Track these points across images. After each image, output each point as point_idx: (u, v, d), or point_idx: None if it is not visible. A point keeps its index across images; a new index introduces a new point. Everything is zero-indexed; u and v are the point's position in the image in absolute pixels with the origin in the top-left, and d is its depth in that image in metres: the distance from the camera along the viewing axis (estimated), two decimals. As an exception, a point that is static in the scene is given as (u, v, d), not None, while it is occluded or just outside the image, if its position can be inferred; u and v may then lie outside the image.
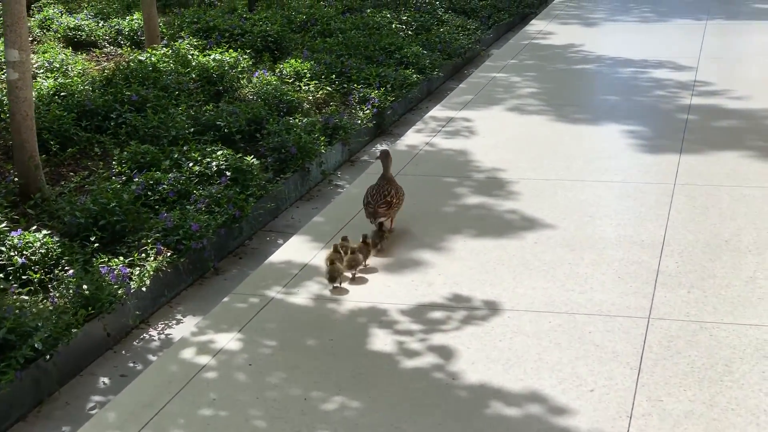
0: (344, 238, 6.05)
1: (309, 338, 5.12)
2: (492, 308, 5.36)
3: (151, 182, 7.27)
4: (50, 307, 5.49)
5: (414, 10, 14.32)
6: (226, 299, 5.70)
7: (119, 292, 5.81)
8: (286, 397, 4.56)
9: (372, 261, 6.06)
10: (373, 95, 10.04)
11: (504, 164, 7.76)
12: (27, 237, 6.19)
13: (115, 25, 12.56)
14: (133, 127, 8.50)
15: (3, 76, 9.01)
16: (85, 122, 8.57)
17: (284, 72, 10.66)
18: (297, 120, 8.89)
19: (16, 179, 7.28)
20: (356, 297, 5.60)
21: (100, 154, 8.25)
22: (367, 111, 9.81)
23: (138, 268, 6.18)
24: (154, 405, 4.57)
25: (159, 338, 5.85)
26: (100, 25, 12.61)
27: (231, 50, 10.97)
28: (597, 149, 8.08)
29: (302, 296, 5.64)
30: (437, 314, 5.32)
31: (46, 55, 10.52)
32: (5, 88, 7.98)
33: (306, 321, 5.34)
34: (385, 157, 6.50)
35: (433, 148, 8.35)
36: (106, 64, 10.91)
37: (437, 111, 9.56)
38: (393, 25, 13.28)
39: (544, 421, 4.28)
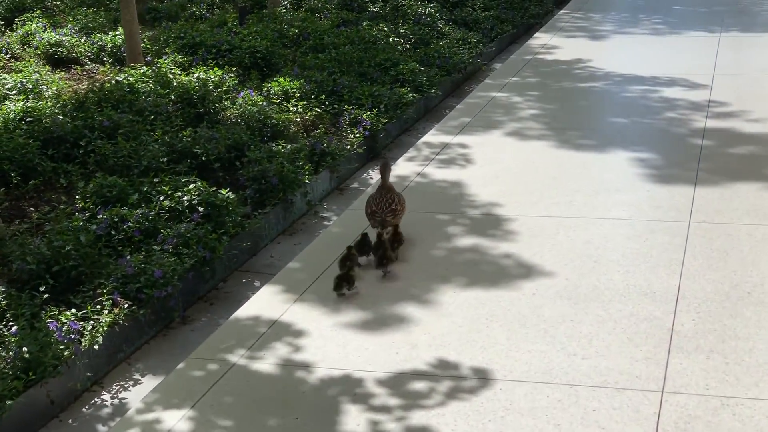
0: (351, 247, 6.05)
1: (271, 417, 4.47)
2: (482, 377, 4.70)
3: (116, 219, 6.64)
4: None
5: (413, 22, 13.66)
6: (181, 365, 5.04)
7: (65, 353, 5.16)
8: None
9: (354, 315, 5.42)
10: (364, 117, 9.40)
11: (501, 198, 7.11)
12: (-33, 288, 5.57)
13: (98, 41, 11.93)
14: (102, 155, 7.87)
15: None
16: (52, 150, 7.95)
17: (272, 91, 10.03)
18: (280, 146, 8.24)
19: (-34, 218, 6.66)
20: (329, 361, 4.95)
21: (66, 185, 7.62)
22: (358, 134, 9.17)
23: (92, 322, 5.55)
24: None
25: (112, 403, 5.23)
26: (82, 41, 11.98)
27: (216, 68, 10.34)
28: (603, 180, 7.42)
29: (268, 361, 4.99)
30: (419, 385, 4.67)
31: (19, 75, 9.89)
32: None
33: (269, 395, 4.69)
34: (384, 167, 6.39)
35: (425, 179, 7.69)
36: (79, 85, 10.28)
37: (432, 136, 8.90)
38: (390, 39, 12.64)
39: None
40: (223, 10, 15.04)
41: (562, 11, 16.07)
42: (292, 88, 9.99)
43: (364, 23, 13.49)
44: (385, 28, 13.18)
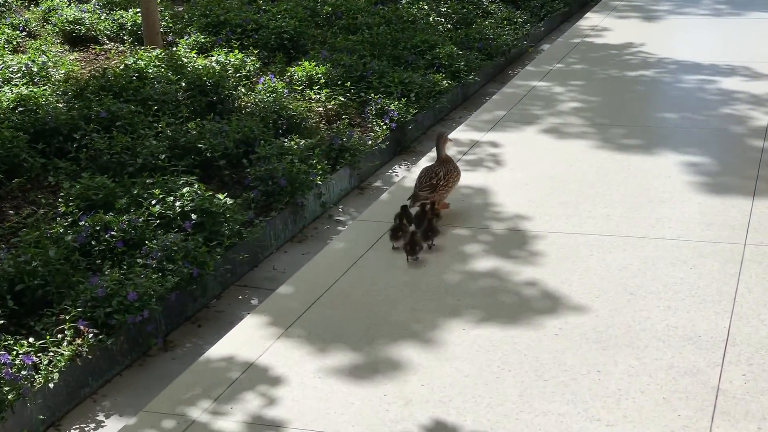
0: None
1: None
2: (485, 447, 3.93)
3: (98, 228, 5.95)
4: None
5: (456, 0, 12.78)
6: (131, 422, 4.31)
7: (9, 397, 4.48)
8: None
9: (343, 357, 4.67)
10: (392, 107, 8.61)
11: (530, 210, 6.29)
12: None
13: (118, 18, 11.23)
14: (96, 150, 7.18)
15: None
16: (43, 144, 7.26)
17: (295, 77, 9.28)
18: (293, 142, 7.49)
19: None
20: (306, 420, 4.19)
21: (54, 184, 6.94)
22: (384, 127, 8.39)
23: (51, 353, 4.87)
24: None
25: (65, 452, 4.54)
26: (102, 18, 11.29)
27: (236, 51, 9.60)
28: (647, 189, 6.56)
29: (234, 418, 4.24)
30: (409, 455, 3.91)
31: (25, 56, 9.23)
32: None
33: (230, 464, 3.97)
34: (438, 138, 6.32)
35: (448, 183, 6.88)
36: (93, 67, 9.59)
37: (461, 132, 8.07)
38: (430, 18, 11.80)
39: None
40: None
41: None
42: (317, 74, 9.24)
43: (403, 1, 12.66)
44: (426, 7, 12.34)
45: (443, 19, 11.96)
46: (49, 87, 8.33)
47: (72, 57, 10.02)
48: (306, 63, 9.42)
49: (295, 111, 8.11)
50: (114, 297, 5.21)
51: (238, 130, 7.57)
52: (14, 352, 4.79)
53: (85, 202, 6.38)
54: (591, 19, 12.46)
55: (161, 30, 10.60)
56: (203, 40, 10.31)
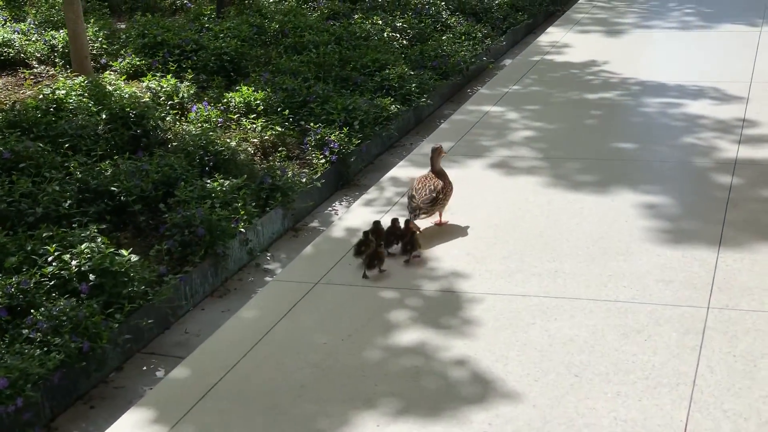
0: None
1: None
2: None
3: (-21, 293, 5.25)
4: None
5: (413, 14, 12.09)
6: None
7: None
8: None
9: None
10: (332, 137, 7.93)
11: (469, 266, 5.60)
12: None
13: (50, 40, 10.50)
14: (-7, 198, 6.46)
15: None
16: (-67, 192, 6.54)
17: (232, 103, 8.60)
18: (216, 183, 6.80)
19: None
20: None
21: (-59, 240, 6.20)
22: (324, 160, 7.72)
23: None
24: None
25: None
26: (33, 39, 10.56)
27: (170, 76, 8.91)
28: (601, 237, 5.88)
29: None
30: None
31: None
32: None
33: None
34: (433, 151, 6.24)
35: (380, 234, 6.19)
36: (16, 94, 8.86)
37: (400, 168, 7.38)
38: (384, 34, 11.12)
39: None
40: (204, -1, 13.58)
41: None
42: (255, 100, 8.55)
43: (356, 16, 11.97)
44: (380, 22, 11.67)
45: (398, 35, 11.30)
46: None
47: (-3, 83, 9.31)
48: (244, 88, 8.74)
49: (223, 146, 7.41)
50: (-20, 383, 4.51)
51: (158, 169, 6.88)
52: None
53: (-29, 261, 5.67)
54: (552, 35, 11.78)
55: (93, 52, 9.90)
56: (138, 63, 9.64)
